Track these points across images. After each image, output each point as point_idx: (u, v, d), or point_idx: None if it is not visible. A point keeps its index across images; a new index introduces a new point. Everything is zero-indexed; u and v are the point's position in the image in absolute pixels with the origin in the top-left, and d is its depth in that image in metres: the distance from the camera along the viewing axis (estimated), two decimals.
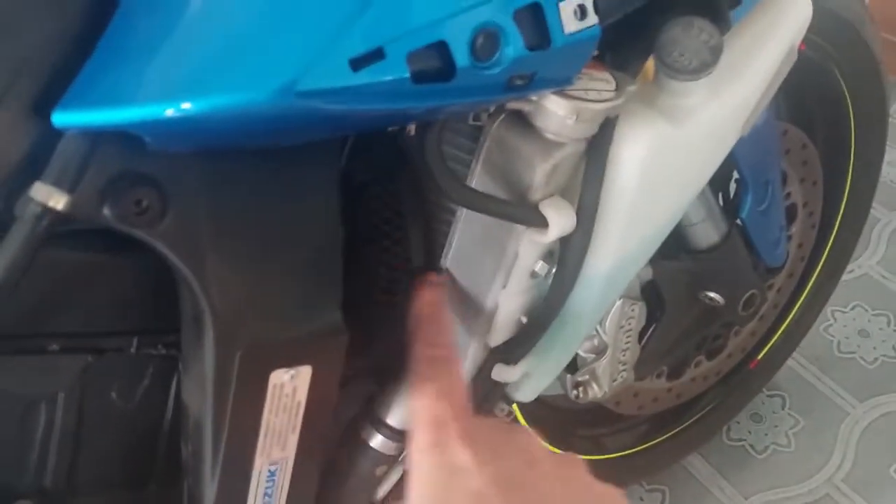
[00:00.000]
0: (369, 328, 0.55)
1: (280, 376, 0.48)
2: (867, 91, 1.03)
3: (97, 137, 0.38)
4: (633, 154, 0.50)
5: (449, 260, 0.55)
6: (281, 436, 0.51)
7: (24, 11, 0.38)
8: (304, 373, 0.49)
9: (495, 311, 0.53)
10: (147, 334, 0.51)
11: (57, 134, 0.38)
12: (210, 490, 0.51)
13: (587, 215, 0.50)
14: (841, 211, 1.12)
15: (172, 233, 0.42)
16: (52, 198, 0.37)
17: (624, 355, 0.86)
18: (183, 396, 0.52)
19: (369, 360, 0.57)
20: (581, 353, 0.84)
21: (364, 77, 0.36)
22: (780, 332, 1.18)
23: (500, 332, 0.55)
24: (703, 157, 0.57)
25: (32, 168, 0.38)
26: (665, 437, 1.14)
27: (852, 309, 1.42)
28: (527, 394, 0.61)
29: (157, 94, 0.36)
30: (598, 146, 0.49)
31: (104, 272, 0.48)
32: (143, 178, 0.40)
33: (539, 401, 0.77)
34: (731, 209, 0.87)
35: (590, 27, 0.42)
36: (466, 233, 0.53)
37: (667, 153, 0.52)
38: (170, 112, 0.35)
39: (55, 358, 0.48)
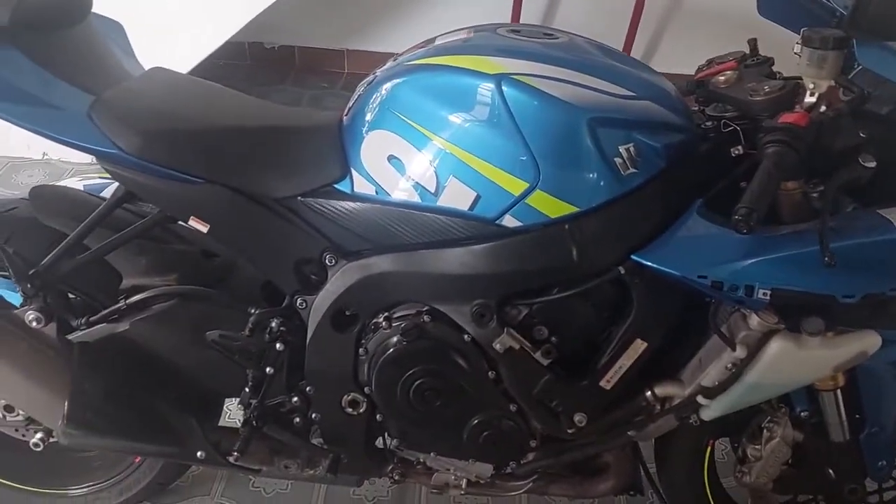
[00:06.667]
0: None
1: None
2: None
3: None
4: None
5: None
6: None
7: None
8: None
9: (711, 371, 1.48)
10: None
11: None
12: None
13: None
14: None
15: None
16: None
17: (769, 471, 1.69)
18: None
19: None
20: (750, 455, 1.69)
21: None
22: None
23: (709, 380, 1.48)
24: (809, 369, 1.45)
25: None
26: None
27: None
28: (708, 415, 1.52)
29: None
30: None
31: None
32: None
33: None
34: (855, 429, 1.65)
35: None
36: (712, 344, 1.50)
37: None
38: None
39: None
